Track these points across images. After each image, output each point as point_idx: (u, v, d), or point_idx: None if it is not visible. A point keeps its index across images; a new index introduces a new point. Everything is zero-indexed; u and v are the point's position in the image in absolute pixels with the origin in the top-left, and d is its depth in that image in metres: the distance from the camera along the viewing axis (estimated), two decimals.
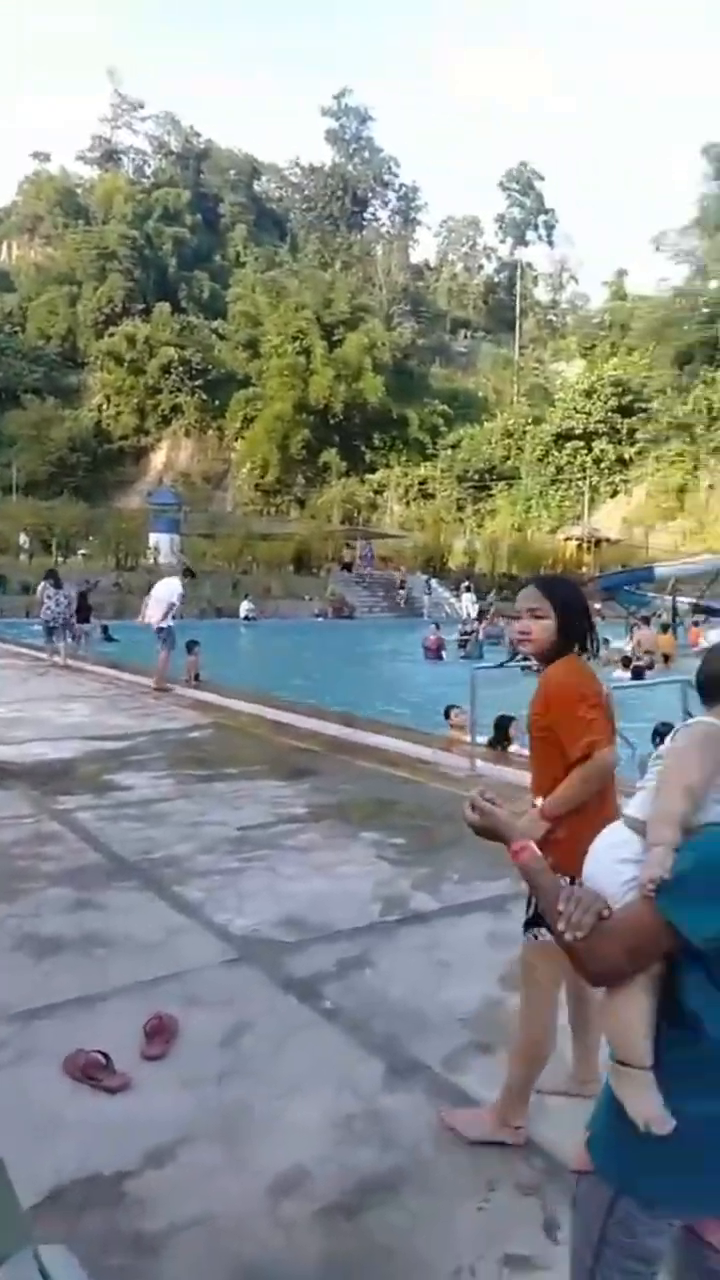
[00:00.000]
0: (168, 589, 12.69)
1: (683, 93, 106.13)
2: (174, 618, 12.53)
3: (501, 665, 10.02)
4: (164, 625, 12.38)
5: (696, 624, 21.54)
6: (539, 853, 1.53)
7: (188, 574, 13.61)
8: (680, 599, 22.88)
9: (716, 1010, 1.30)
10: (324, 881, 4.93)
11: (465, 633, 22.24)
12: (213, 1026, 3.36)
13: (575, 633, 2.69)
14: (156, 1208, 2.41)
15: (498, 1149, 2.66)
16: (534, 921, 2.66)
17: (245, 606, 29.96)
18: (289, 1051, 3.23)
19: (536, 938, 2.65)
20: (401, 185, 68.35)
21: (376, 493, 52.20)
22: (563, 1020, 2.89)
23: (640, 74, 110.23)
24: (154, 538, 36.03)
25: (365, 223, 69.25)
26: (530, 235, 67.09)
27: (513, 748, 8.42)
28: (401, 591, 34.56)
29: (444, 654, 19.80)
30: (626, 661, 14.26)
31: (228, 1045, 3.25)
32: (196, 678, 12.92)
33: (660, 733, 6.74)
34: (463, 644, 21.00)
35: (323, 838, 5.74)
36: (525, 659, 2.89)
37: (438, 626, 22.04)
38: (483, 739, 8.44)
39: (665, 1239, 1.43)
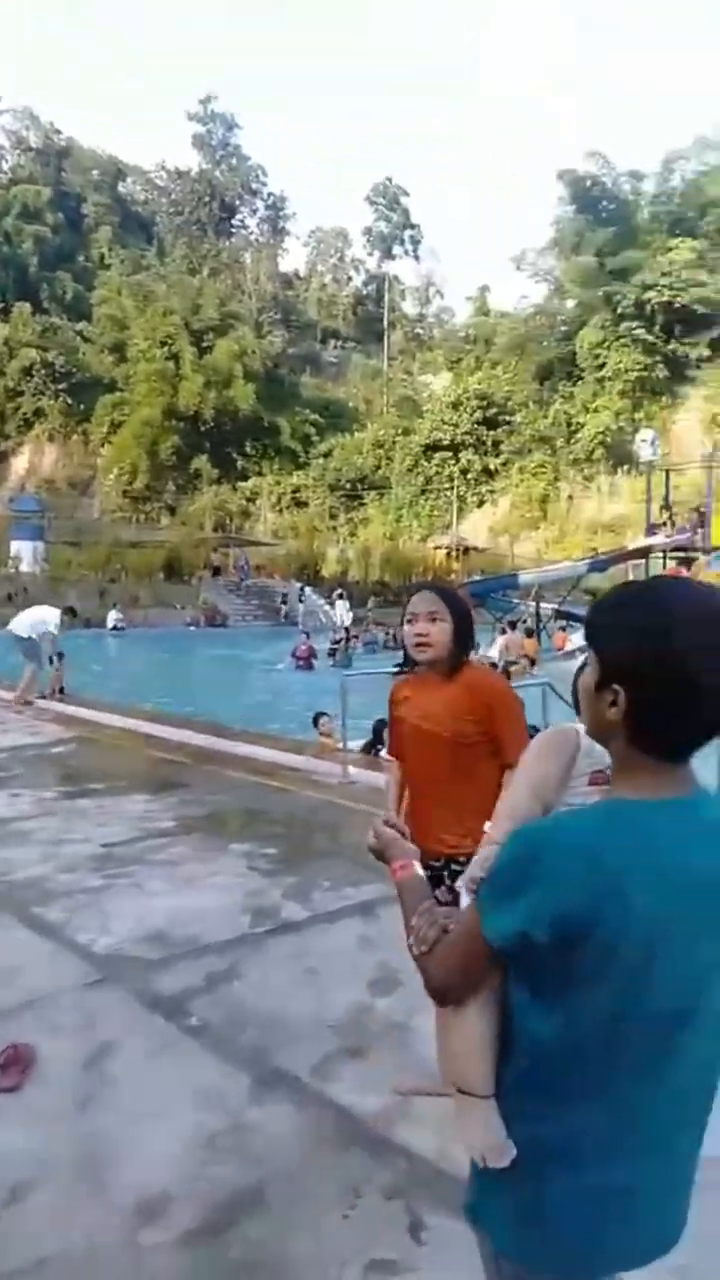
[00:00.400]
0: (38, 620, 11.99)
1: (542, 116, 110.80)
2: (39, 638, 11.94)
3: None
4: (28, 637, 11.82)
5: (563, 629, 22.39)
6: (419, 873, 1.46)
7: (69, 613, 12.96)
8: (543, 605, 23.72)
9: (534, 1021, 1.19)
10: (192, 895, 4.83)
11: (335, 641, 22.31)
12: (73, 1052, 3.23)
13: (469, 638, 2.74)
14: (6, 1249, 2.29)
15: (363, 1153, 2.66)
16: None
17: (113, 616, 29.14)
18: (153, 1072, 3.13)
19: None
20: (270, 194, 68.44)
21: (249, 500, 51.88)
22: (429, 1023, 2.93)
23: (502, 95, 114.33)
24: (15, 545, 34.56)
25: (234, 230, 68.89)
26: (397, 249, 68.39)
27: (385, 752, 8.50)
28: (285, 605, 34.39)
29: (314, 662, 19.83)
30: (494, 665, 14.67)
31: (89, 1070, 3.13)
32: (61, 690, 12.44)
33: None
34: (332, 652, 21.07)
35: (191, 851, 5.62)
36: (404, 664, 2.86)
37: (308, 635, 22.06)
38: (355, 744, 8.48)
39: None
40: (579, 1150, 1.18)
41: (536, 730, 8.08)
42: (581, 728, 1.37)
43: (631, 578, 21.69)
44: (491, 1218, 1.28)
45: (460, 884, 1.35)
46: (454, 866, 2.64)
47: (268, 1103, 2.94)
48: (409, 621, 2.71)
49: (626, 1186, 1.19)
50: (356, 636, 23.68)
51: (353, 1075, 3.09)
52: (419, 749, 2.77)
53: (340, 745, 8.01)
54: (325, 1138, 2.76)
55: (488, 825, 1.47)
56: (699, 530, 23.74)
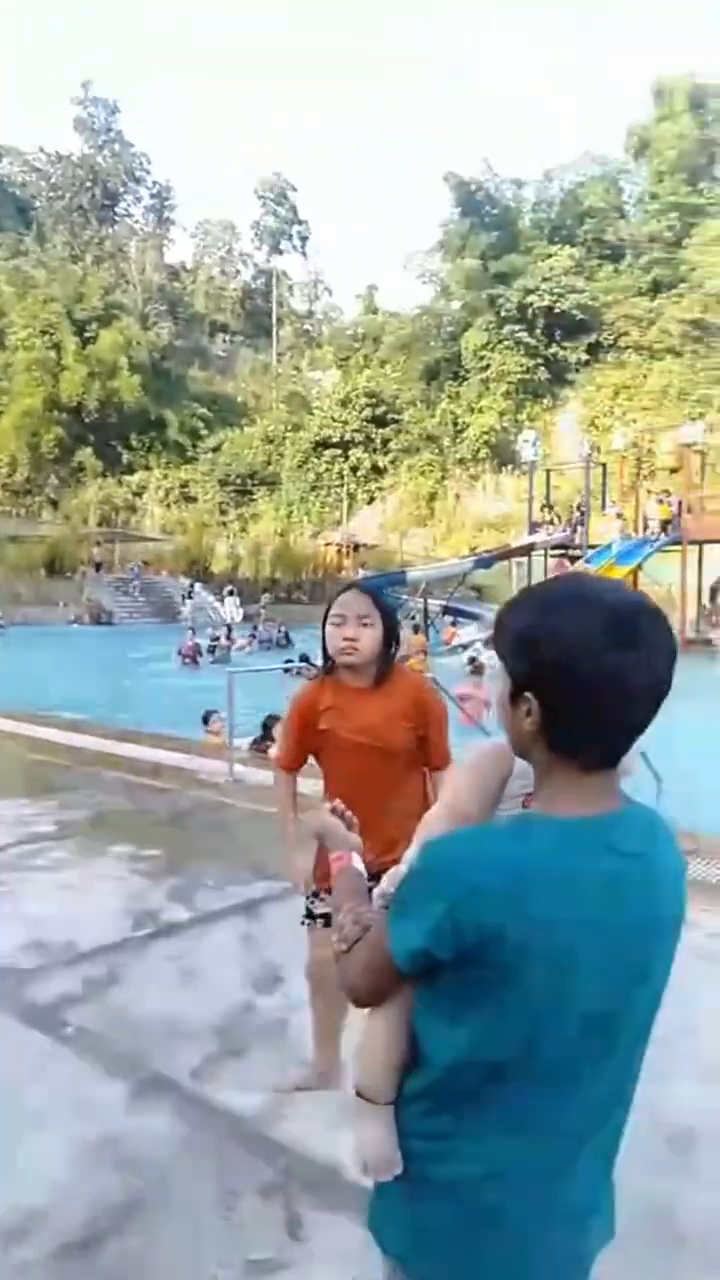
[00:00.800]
0: None
1: (428, 120, 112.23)
2: None
3: (295, 669, 10.01)
4: None
5: (452, 624, 22.84)
6: (355, 867, 1.42)
7: None
8: (431, 601, 24.10)
9: (436, 1038, 1.17)
10: (71, 901, 4.70)
11: (214, 638, 21.82)
12: None
13: (395, 641, 2.65)
14: None
15: (242, 1154, 2.64)
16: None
17: None
18: (26, 1086, 3.03)
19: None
20: (155, 183, 66.95)
21: (136, 495, 50.71)
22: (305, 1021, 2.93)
23: (393, 96, 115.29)
24: None
25: (117, 218, 67.03)
26: (285, 244, 68.05)
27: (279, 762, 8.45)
28: (189, 601, 33.61)
29: (200, 660, 19.58)
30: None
31: None
32: None
33: None
34: (212, 649, 20.77)
35: (71, 855, 5.46)
36: (326, 666, 2.66)
37: (194, 632, 21.74)
38: (242, 741, 8.42)
39: None
40: (479, 1171, 1.15)
41: None
42: None
43: (515, 575, 22.25)
44: (388, 1233, 1.24)
45: (374, 898, 1.29)
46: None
47: (146, 1109, 2.89)
48: (336, 624, 2.54)
49: (524, 1211, 1.15)
50: (253, 635, 23.32)
51: (233, 1075, 3.07)
52: (357, 766, 2.57)
53: (227, 743, 7.94)
54: (204, 1141, 2.73)
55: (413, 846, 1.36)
56: (578, 528, 24.57)
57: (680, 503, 22.86)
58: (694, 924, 3.15)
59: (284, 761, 2.83)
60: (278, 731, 8.57)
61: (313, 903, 2.80)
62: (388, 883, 1.25)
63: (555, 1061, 1.12)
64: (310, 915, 2.82)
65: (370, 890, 1.35)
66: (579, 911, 1.09)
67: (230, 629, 23.28)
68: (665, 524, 22.66)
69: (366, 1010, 1.26)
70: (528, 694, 1.12)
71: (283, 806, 2.86)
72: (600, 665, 1.07)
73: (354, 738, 2.56)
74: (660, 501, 23.16)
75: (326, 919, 2.59)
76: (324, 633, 2.60)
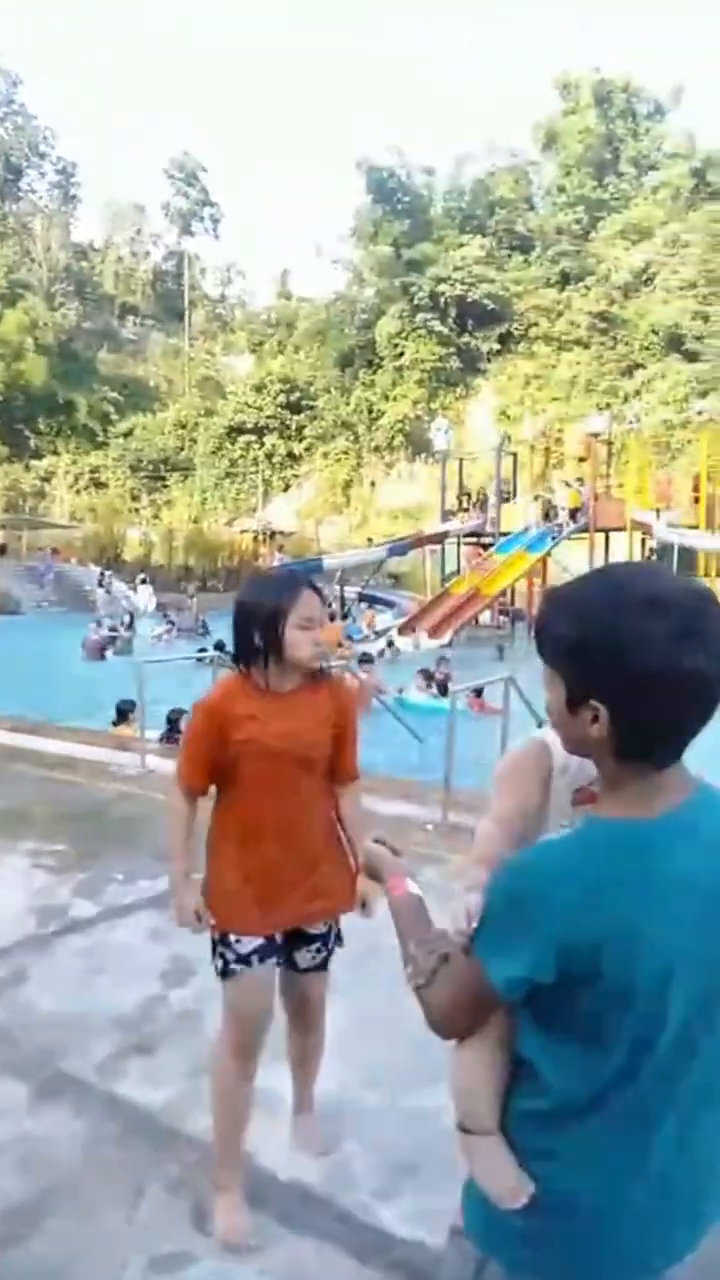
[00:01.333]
0: None
1: (340, 107, 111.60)
2: None
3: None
4: None
5: (369, 609, 23.03)
6: (414, 892, 1.34)
7: None
8: (348, 589, 24.17)
9: (552, 1058, 1.15)
10: None
11: (112, 629, 20.76)
12: None
13: None
14: None
15: (149, 1149, 2.62)
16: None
17: None
18: None
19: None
20: (60, 159, 64.84)
21: (44, 480, 49.27)
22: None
23: (308, 79, 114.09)
24: None
25: (21, 194, 64.75)
26: (196, 226, 66.77)
27: (182, 775, 8.33)
28: (102, 589, 32.68)
29: (107, 652, 19.11)
30: None
31: None
32: None
33: None
34: (112, 640, 20.01)
35: None
36: (253, 662, 2.32)
37: (99, 624, 21.17)
38: (154, 734, 8.30)
39: None
40: (595, 1180, 1.15)
41: None
42: (553, 741, 1.26)
43: (429, 562, 22.38)
44: (504, 1247, 1.24)
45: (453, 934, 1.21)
46: (318, 938, 2.41)
47: (51, 1108, 2.84)
48: (304, 628, 2.23)
49: (639, 1211, 1.16)
50: (172, 624, 22.62)
51: (141, 1070, 3.04)
52: (278, 781, 2.28)
53: (138, 735, 7.81)
54: (111, 1138, 2.70)
55: (466, 872, 1.27)
56: (490, 516, 24.96)
57: (589, 490, 23.44)
58: None
59: (192, 780, 2.33)
60: (191, 747, 8.25)
61: (224, 950, 2.31)
62: (464, 918, 1.16)
63: (673, 1059, 1.12)
64: (235, 961, 2.30)
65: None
66: (672, 911, 1.08)
67: (133, 619, 22.54)
68: (574, 512, 23.21)
69: (452, 1043, 1.23)
70: (593, 702, 1.08)
71: (178, 835, 2.35)
72: (675, 668, 1.03)
73: (277, 746, 2.25)
74: (570, 488, 23.72)
75: (247, 960, 2.29)
76: (258, 630, 2.23)
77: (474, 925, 1.14)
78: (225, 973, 2.31)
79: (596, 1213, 1.16)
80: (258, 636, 2.24)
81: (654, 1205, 1.18)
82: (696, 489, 23.61)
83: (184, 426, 50.62)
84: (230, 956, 2.30)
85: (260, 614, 2.23)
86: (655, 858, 1.09)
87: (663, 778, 1.13)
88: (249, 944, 2.29)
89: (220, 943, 2.31)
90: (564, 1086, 1.14)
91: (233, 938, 2.29)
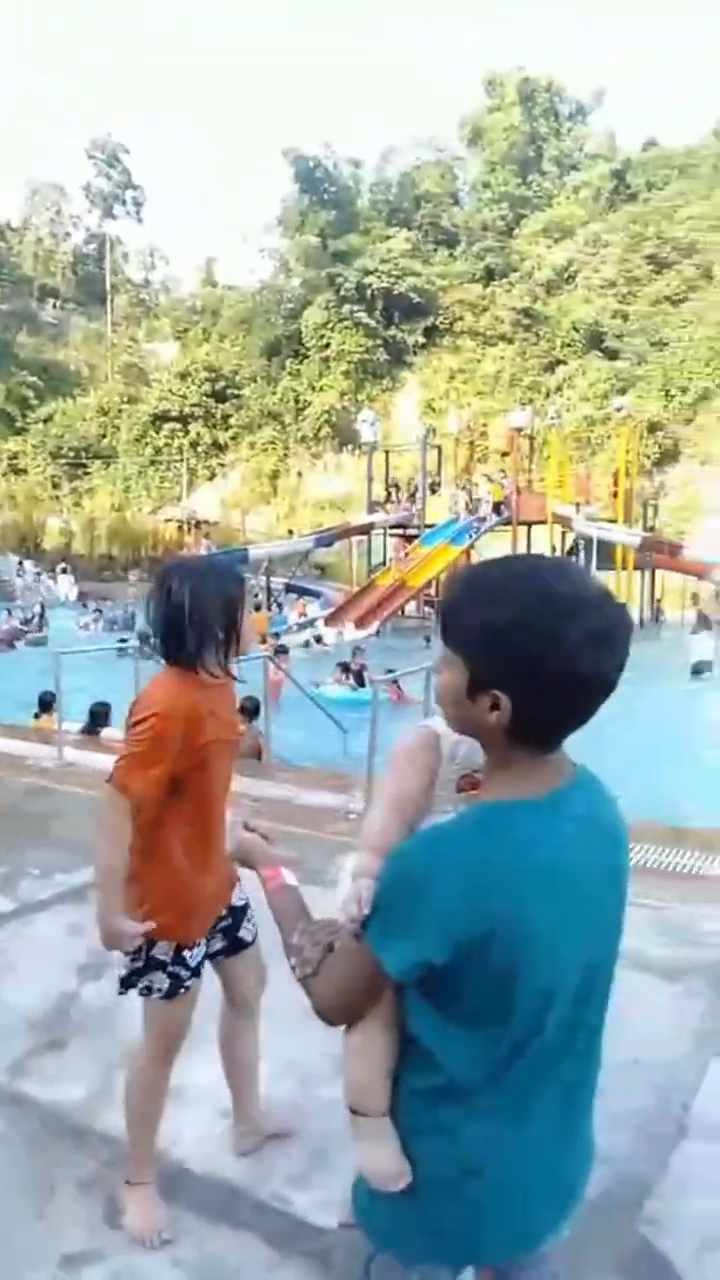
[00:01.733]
0: None
1: (269, 94, 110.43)
2: None
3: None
4: None
5: (298, 598, 22.96)
6: (291, 883, 1.36)
7: None
8: (275, 579, 24.07)
9: (442, 1038, 1.16)
10: None
11: (24, 620, 19.88)
12: None
13: None
14: None
15: (62, 1148, 2.57)
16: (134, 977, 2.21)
17: None
18: None
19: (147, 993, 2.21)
20: None
21: None
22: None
23: (232, 64, 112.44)
24: None
25: None
26: (119, 210, 65.31)
27: (107, 732, 8.21)
28: (19, 578, 31.65)
29: (18, 643, 18.54)
30: None
31: None
32: None
33: (243, 707, 7.03)
34: (23, 631, 19.11)
35: None
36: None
37: (9, 613, 20.54)
38: (72, 726, 8.13)
39: None
40: (488, 1155, 1.17)
41: (257, 702, 8.04)
42: (443, 729, 1.27)
43: (356, 553, 22.38)
44: (391, 1234, 1.25)
45: (341, 923, 1.21)
46: (243, 907, 2.39)
47: None
48: (254, 610, 2.17)
49: (530, 1180, 1.19)
50: (99, 613, 21.74)
51: (55, 1067, 2.97)
52: (227, 775, 2.23)
53: (56, 727, 7.64)
54: (22, 1138, 2.63)
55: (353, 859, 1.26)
56: (414, 508, 25.14)
57: (511, 484, 23.79)
58: None
59: (150, 793, 2.04)
60: (114, 732, 8.03)
61: (177, 968, 2.18)
62: (355, 905, 1.16)
63: (557, 1034, 1.15)
64: (190, 976, 2.21)
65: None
66: (559, 891, 1.10)
67: (44, 610, 21.83)
68: (498, 505, 23.53)
69: (343, 1028, 1.23)
70: (497, 692, 1.09)
71: (120, 857, 2.04)
72: (585, 670, 1.06)
73: (233, 737, 2.22)
74: (493, 482, 24.03)
75: (198, 971, 2.23)
76: (221, 620, 2.12)
77: (365, 911, 1.15)
78: (173, 992, 2.17)
79: (482, 1188, 1.18)
80: (220, 626, 2.11)
81: (537, 1180, 1.21)
82: (615, 484, 24.19)
83: (106, 413, 49.61)
84: (184, 974, 2.18)
85: (222, 602, 2.13)
86: (542, 839, 1.11)
87: (549, 761, 1.16)
88: (198, 953, 2.23)
89: (173, 961, 2.17)
90: (454, 1065, 1.16)
91: (186, 953, 2.18)
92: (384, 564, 23.89)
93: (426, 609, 22.55)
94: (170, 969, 2.17)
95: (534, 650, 1.06)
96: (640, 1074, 2.83)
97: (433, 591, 22.62)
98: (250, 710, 7.23)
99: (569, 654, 1.05)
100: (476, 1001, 1.12)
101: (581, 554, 20.42)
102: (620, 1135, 2.51)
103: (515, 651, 1.07)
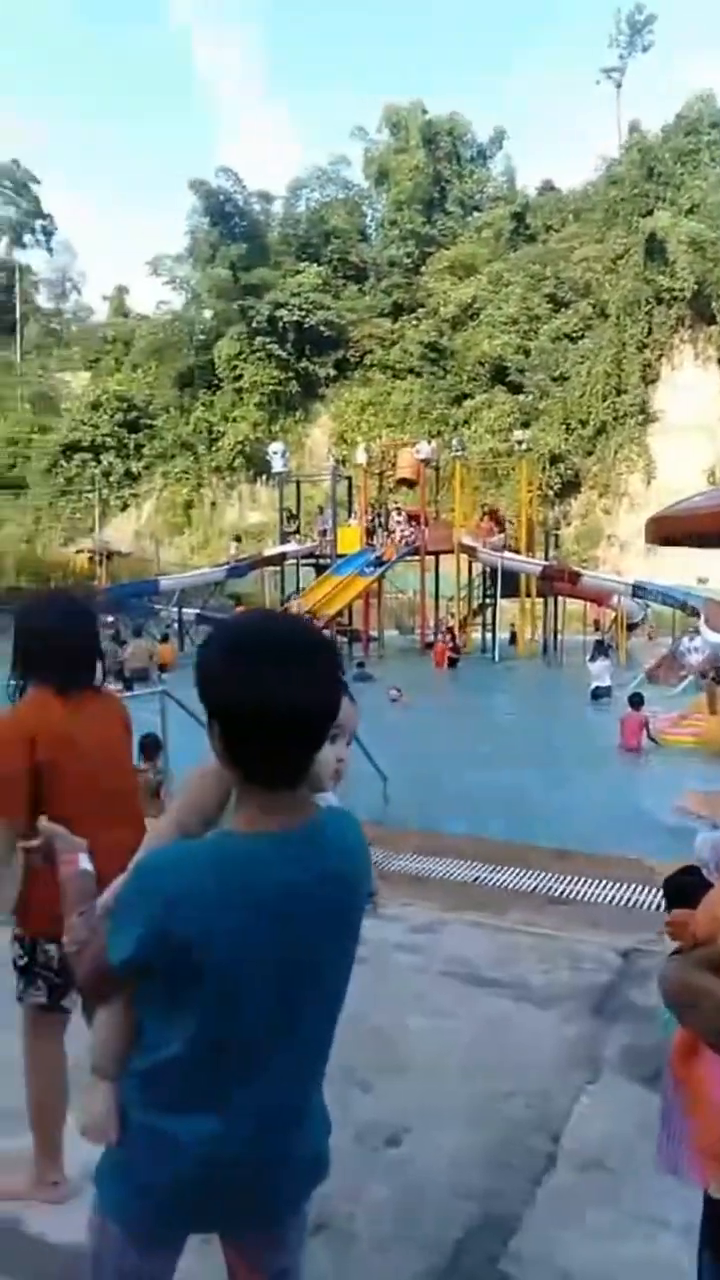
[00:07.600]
0: None
1: (175, 124, 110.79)
2: None
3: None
4: None
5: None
6: (85, 869, 1.53)
7: None
8: (186, 610, 23.94)
9: (155, 1028, 1.30)
10: None
11: None
12: None
13: None
14: None
15: None
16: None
17: None
18: None
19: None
20: None
21: None
22: None
23: (140, 95, 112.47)
24: None
25: None
26: (28, 239, 64.54)
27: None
28: None
29: None
30: (119, 672, 14.18)
31: None
32: None
33: (144, 745, 6.99)
34: None
35: None
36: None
37: None
38: None
39: (163, 1263, 1.41)
40: (193, 1135, 1.29)
41: (157, 739, 7.87)
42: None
43: (269, 583, 22.39)
44: (106, 1190, 1.38)
45: (98, 909, 1.42)
46: None
47: None
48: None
49: (220, 1165, 1.31)
50: None
51: None
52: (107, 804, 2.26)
53: None
54: None
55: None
56: (326, 539, 25.40)
57: (418, 516, 24.28)
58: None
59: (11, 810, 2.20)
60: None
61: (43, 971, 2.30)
62: (109, 895, 1.37)
63: (250, 1043, 1.29)
64: (57, 983, 2.30)
65: None
66: (260, 919, 1.24)
67: None
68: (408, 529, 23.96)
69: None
70: (214, 720, 1.26)
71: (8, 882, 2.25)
72: (260, 698, 1.21)
73: (94, 768, 2.30)
74: (400, 514, 24.48)
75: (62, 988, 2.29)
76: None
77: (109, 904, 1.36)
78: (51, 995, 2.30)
79: (182, 1166, 1.30)
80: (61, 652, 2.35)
81: (250, 1161, 1.33)
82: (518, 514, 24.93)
83: (15, 443, 48.76)
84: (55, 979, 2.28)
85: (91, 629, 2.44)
86: (256, 867, 1.25)
87: (278, 798, 1.29)
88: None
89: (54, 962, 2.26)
90: (163, 1052, 1.29)
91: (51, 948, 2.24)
92: (297, 593, 24.04)
93: (340, 637, 22.76)
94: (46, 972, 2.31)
95: (220, 686, 1.24)
96: (513, 1106, 2.90)
97: (345, 619, 22.88)
98: (150, 747, 7.14)
99: (247, 689, 1.21)
100: (175, 1004, 1.27)
101: (488, 581, 20.92)
102: (488, 1170, 2.59)
103: (212, 687, 1.25)
